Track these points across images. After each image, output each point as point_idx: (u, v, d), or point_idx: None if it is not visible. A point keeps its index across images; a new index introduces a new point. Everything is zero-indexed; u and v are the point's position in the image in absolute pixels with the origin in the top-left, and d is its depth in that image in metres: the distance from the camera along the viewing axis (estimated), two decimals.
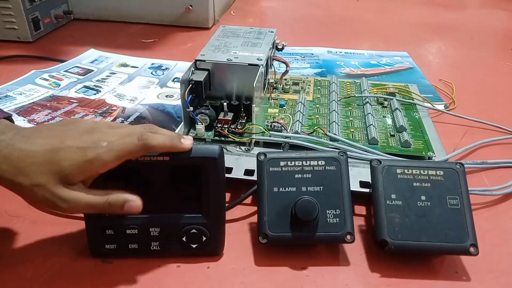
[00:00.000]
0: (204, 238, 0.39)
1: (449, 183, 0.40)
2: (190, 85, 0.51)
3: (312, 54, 0.88)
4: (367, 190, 0.45)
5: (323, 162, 0.41)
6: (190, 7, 0.98)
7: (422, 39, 1.00)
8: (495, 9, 1.22)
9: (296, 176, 0.41)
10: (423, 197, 0.40)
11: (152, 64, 0.78)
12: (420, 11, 1.21)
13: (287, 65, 0.63)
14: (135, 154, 0.35)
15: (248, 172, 0.48)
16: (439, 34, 1.04)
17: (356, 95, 0.63)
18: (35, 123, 0.53)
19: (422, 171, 0.41)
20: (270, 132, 0.52)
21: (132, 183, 0.38)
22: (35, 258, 0.40)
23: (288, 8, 1.24)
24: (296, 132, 0.53)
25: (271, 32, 0.63)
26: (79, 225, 0.39)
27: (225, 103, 0.53)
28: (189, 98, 0.51)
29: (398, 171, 0.41)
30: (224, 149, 0.51)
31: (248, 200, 0.47)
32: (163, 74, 0.75)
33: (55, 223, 0.44)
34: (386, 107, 0.61)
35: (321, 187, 0.40)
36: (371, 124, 0.55)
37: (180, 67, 0.77)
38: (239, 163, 0.49)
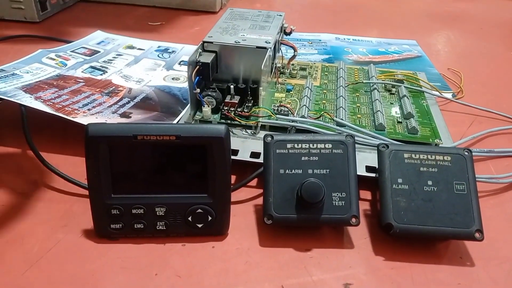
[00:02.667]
0: (209, 218, 0.39)
1: (456, 168, 0.40)
2: (197, 66, 0.51)
3: (320, 40, 0.88)
4: (373, 175, 0.45)
5: (330, 145, 0.41)
6: None
7: (431, 28, 0.99)
8: (505, 0, 1.21)
9: (303, 158, 0.41)
10: (429, 182, 0.39)
11: (159, 47, 0.78)
12: (429, 0, 1.19)
13: (295, 50, 0.62)
14: None
15: (254, 155, 0.48)
16: (448, 23, 1.02)
17: (364, 81, 0.63)
18: (41, 100, 0.53)
19: (429, 156, 0.40)
20: (277, 116, 0.52)
21: (138, 163, 0.38)
22: (41, 234, 0.40)
23: None
24: (303, 117, 0.53)
25: (280, 15, 0.62)
26: (85, 202, 0.39)
27: (232, 86, 0.53)
28: (196, 80, 0.51)
29: (405, 155, 0.41)
30: (230, 132, 0.51)
31: (254, 182, 0.47)
32: (169, 57, 0.74)
33: (61, 201, 0.44)
34: (393, 94, 0.61)
35: (328, 170, 0.40)
36: (379, 110, 0.55)
37: (187, 51, 0.77)
38: (245, 146, 0.49)
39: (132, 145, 0.37)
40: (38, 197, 0.44)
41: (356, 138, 0.48)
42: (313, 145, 0.41)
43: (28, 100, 0.52)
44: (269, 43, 0.53)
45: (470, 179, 0.40)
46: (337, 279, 0.37)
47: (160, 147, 0.37)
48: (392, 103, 0.58)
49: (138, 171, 0.38)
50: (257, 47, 0.53)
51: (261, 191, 0.45)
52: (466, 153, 0.41)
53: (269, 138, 0.42)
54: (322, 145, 0.41)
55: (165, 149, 0.38)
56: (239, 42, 0.53)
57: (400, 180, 0.40)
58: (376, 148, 0.42)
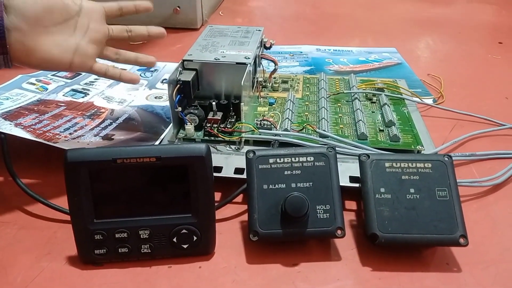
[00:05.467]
0: (194, 238, 0.39)
1: (438, 175, 0.40)
2: (178, 85, 0.51)
3: (301, 52, 0.89)
4: (357, 185, 0.45)
5: (312, 158, 0.41)
6: (178, 8, 0.98)
7: (410, 34, 1.01)
8: (483, 4, 1.23)
9: (286, 172, 0.41)
10: (412, 190, 0.40)
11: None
12: (408, 7, 1.21)
13: (275, 64, 0.63)
14: None
15: (238, 170, 0.48)
16: (427, 29, 1.04)
17: (345, 92, 0.63)
18: (22, 127, 0.52)
19: (410, 164, 0.41)
20: (260, 130, 0.52)
21: (120, 187, 0.38)
22: (24, 263, 0.39)
23: (277, 7, 1.24)
24: (286, 130, 0.53)
25: (259, 30, 0.63)
26: (69, 228, 0.39)
27: (214, 103, 0.53)
28: (177, 98, 0.51)
29: (387, 164, 0.41)
30: (214, 149, 0.51)
31: (239, 198, 0.47)
32: (151, 75, 0.74)
33: (45, 228, 0.43)
34: (375, 102, 0.61)
35: (311, 183, 0.40)
36: (360, 120, 0.55)
37: (169, 69, 0.77)
38: (229, 162, 0.49)
39: (112, 169, 0.36)
40: (21, 225, 0.44)
41: (338, 148, 0.48)
42: (295, 159, 0.41)
43: (8, 128, 0.51)
44: (249, 58, 0.53)
45: (452, 184, 0.40)
46: None
47: (140, 170, 0.37)
48: (374, 112, 0.59)
49: (120, 194, 0.38)
50: (237, 63, 0.53)
51: (246, 207, 0.45)
52: (447, 159, 0.41)
53: (251, 154, 0.42)
54: (304, 158, 0.41)
55: (146, 171, 0.38)
56: (218, 59, 0.53)
57: (382, 190, 0.40)
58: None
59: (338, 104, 0.61)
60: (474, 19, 1.11)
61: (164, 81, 0.72)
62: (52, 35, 0.44)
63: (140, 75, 0.74)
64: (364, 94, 0.63)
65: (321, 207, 0.40)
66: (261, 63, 0.64)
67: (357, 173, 0.44)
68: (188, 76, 0.52)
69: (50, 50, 0.44)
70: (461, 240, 0.38)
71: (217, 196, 0.47)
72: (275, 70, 0.64)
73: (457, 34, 1.00)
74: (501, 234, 0.43)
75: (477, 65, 0.84)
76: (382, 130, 0.54)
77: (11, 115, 0.55)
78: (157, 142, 0.53)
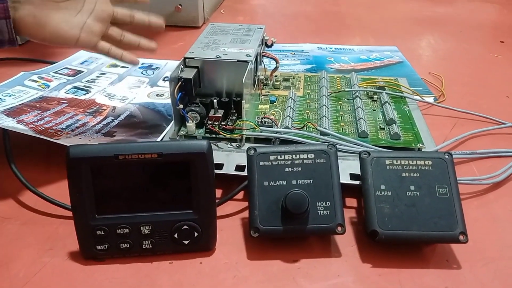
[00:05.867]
0: (195, 234, 0.39)
1: (438, 172, 0.40)
2: (180, 83, 0.51)
3: (303, 50, 0.89)
4: (357, 182, 0.45)
5: (313, 155, 0.41)
6: (180, 6, 0.98)
7: (411, 33, 1.01)
8: (484, 2, 1.23)
9: (286, 169, 0.41)
10: (412, 187, 0.40)
11: (143, 63, 0.78)
12: (410, 6, 1.21)
13: (277, 62, 0.63)
14: None
15: (239, 167, 0.48)
16: (429, 28, 1.04)
17: (346, 90, 0.64)
18: (24, 123, 0.53)
19: (410, 162, 0.41)
20: (261, 127, 0.52)
21: (121, 183, 0.38)
22: (26, 259, 0.40)
23: (278, 5, 1.24)
24: (287, 127, 0.53)
25: (260, 28, 0.63)
26: (70, 224, 0.39)
27: (215, 100, 0.53)
28: (178, 96, 0.51)
29: (387, 162, 0.41)
30: (215, 146, 0.51)
31: (240, 195, 0.47)
32: (153, 73, 0.75)
33: (46, 224, 0.44)
34: (375, 100, 0.62)
35: (311, 180, 0.40)
36: (361, 118, 0.55)
37: (171, 66, 0.77)
38: (230, 159, 0.49)
39: (114, 165, 0.37)
40: (23, 221, 0.44)
41: (339, 146, 0.49)
42: (295, 156, 0.41)
43: (10, 124, 0.51)
44: (250, 56, 0.54)
45: (452, 182, 0.40)
46: None
47: (142, 166, 0.38)
48: (375, 110, 0.59)
49: (121, 190, 0.38)
50: (238, 61, 0.53)
51: (247, 203, 0.45)
52: (447, 157, 0.41)
53: (252, 151, 0.42)
54: (304, 156, 0.41)
55: (147, 168, 0.38)
56: (220, 57, 0.54)
57: (383, 187, 0.40)
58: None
59: (339, 102, 0.61)
60: (475, 18, 1.11)
61: (165, 79, 0.72)
62: (62, 10, 0.45)
63: (142, 72, 0.74)
64: (365, 92, 0.63)
65: (322, 204, 0.40)
66: (262, 61, 0.64)
67: (357, 171, 0.45)
68: (189, 74, 0.52)
69: (59, 24, 0.45)
70: (461, 237, 0.38)
71: (218, 193, 0.47)
72: (276, 68, 0.64)
73: (458, 33, 1.01)
74: (501, 231, 0.43)
75: (478, 64, 0.84)
76: (383, 128, 0.55)
77: (14, 112, 0.56)
78: (158, 139, 0.54)
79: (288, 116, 0.55)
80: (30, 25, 0.44)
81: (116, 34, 0.51)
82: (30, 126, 0.52)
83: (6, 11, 0.42)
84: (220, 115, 0.53)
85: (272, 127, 0.53)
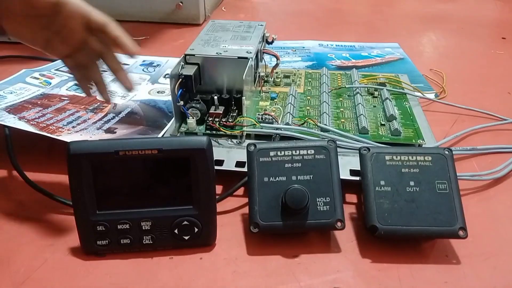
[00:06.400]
0: (196, 230, 0.39)
1: (438, 168, 0.40)
2: (180, 79, 0.51)
3: (304, 47, 0.89)
4: (357, 178, 0.45)
5: (313, 151, 0.41)
6: (181, 4, 0.98)
7: (413, 30, 1.01)
8: None
9: (286, 165, 0.41)
10: (411, 183, 0.40)
11: (144, 61, 0.78)
12: (411, 2, 1.21)
13: (277, 58, 0.63)
14: None
15: (240, 164, 0.48)
16: (430, 24, 1.04)
17: (347, 86, 0.64)
18: (25, 120, 0.53)
19: (410, 157, 0.41)
20: (261, 124, 0.52)
21: (122, 178, 0.38)
22: (28, 254, 0.40)
23: (280, 3, 1.24)
24: (287, 124, 0.53)
25: (261, 25, 0.63)
26: (71, 220, 0.39)
27: (215, 97, 0.54)
28: (179, 92, 0.51)
29: (387, 157, 0.41)
30: (215, 142, 0.51)
31: (240, 191, 0.47)
32: (154, 70, 0.75)
33: (48, 220, 0.44)
34: (376, 97, 0.62)
35: (311, 176, 0.41)
36: (362, 114, 0.55)
37: (172, 64, 0.77)
38: (231, 155, 0.49)
39: (114, 161, 0.37)
40: (24, 217, 0.44)
41: (339, 142, 0.49)
42: (295, 152, 0.41)
43: (11, 121, 0.52)
44: (250, 53, 0.54)
45: (452, 178, 0.40)
46: (325, 284, 0.37)
47: (142, 162, 0.38)
48: (375, 106, 0.59)
49: (122, 186, 0.39)
50: (239, 58, 0.53)
51: (247, 200, 0.45)
52: (447, 152, 0.41)
53: (252, 147, 0.42)
54: (304, 151, 0.41)
55: (147, 163, 0.38)
56: (220, 54, 0.54)
57: (382, 182, 0.40)
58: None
59: (340, 99, 0.61)
60: (477, 14, 1.11)
61: (166, 76, 0.72)
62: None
63: (143, 70, 0.75)
64: (366, 89, 0.63)
65: (321, 199, 0.40)
66: (263, 57, 0.64)
67: (357, 167, 0.45)
68: (190, 71, 0.52)
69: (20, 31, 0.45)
70: (460, 233, 0.38)
71: (219, 189, 0.47)
72: (277, 65, 0.64)
73: (460, 30, 1.00)
74: (501, 227, 0.43)
75: (480, 60, 0.84)
76: (384, 124, 0.55)
77: (15, 109, 0.56)
78: (159, 136, 0.54)
79: (289, 112, 0.55)
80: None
81: (86, 59, 0.50)
82: (31, 123, 0.53)
83: None
84: (221, 112, 0.53)
85: (272, 124, 0.53)
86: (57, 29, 0.46)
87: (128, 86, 0.52)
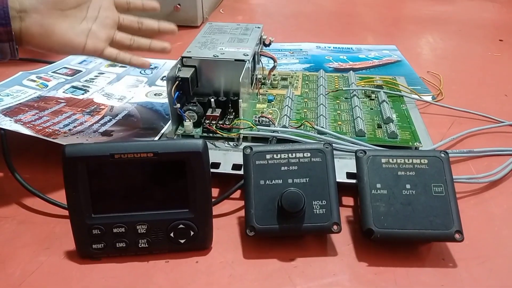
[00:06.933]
0: (191, 233, 0.39)
1: (434, 171, 0.40)
2: (177, 82, 0.51)
3: (301, 49, 0.89)
4: (354, 181, 0.45)
5: (309, 154, 0.41)
6: (179, 6, 0.98)
7: (410, 32, 1.01)
8: (483, 1, 1.23)
9: (282, 168, 0.41)
10: (408, 186, 0.40)
11: None
12: (409, 5, 1.21)
13: (274, 61, 0.63)
14: None
15: (236, 166, 0.48)
16: (428, 27, 1.04)
17: (344, 89, 0.64)
18: (21, 123, 0.53)
19: (406, 160, 0.41)
20: (258, 127, 0.52)
21: (117, 181, 0.38)
22: (23, 258, 0.40)
23: (278, 5, 1.24)
24: (284, 126, 0.53)
25: (258, 28, 0.63)
26: (67, 224, 0.39)
27: (212, 99, 0.54)
28: (176, 95, 0.51)
29: (383, 160, 0.41)
30: (212, 145, 0.51)
31: (237, 194, 0.47)
32: (151, 73, 0.75)
33: (43, 223, 0.44)
34: (373, 99, 0.62)
35: (307, 179, 0.40)
36: (358, 117, 0.55)
37: (169, 66, 0.77)
38: (227, 158, 0.49)
39: (110, 164, 0.37)
40: (20, 220, 0.44)
41: (336, 145, 0.49)
42: (292, 155, 0.41)
43: (7, 124, 0.52)
44: (247, 55, 0.54)
45: (448, 180, 0.40)
46: (322, 287, 0.37)
47: (138, 165, 0.38)
48: (372, 109, 0.59)
49: (117, 189, 0.38)
50: (236, 60, 0.53)
51: (243, 203, 0.45)
52: (443, 155, 0.41)
53: (248, 150, 0.42)
54: (300, 154, 0.41)
55: (143, 167, 0.38)
56: (217, 56, 0.54)
57: (378, 185, 0.40)
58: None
59: (337, 101, 0.61)
60: (474, 16, 1.11)
61: (163, 78, 0.72)
62: (67, 18, 0.45)
63: (140, 72, 0.74)
64: (363, 91, 0.63)
65: (318, 202, 0.40)
66: (260, 60, 0.64)
67: (354, 170, 0.45)
68: (187, 73, 0.52)
69: (66, 33, 0.45)
70: (457, 236, 0.38)
71: (215, 192, 0.47)
72: (274, 67, 0.64)
73: (457, 32, 1.00)
74: (497, 229, 0.43)
75: (477, 63, 0.84)
76: (380, 127, 0.55)
77: (11, 112, 0.56)
78: (156, 139, 0.54)
79: (286, 115, 0.55)
80: (36, 35, 0.43)
81: (125, 39, 0.50)
82: (27, 125, 0.52)
83: (9, 34, 0.42)
84: (218, 114, 0.53)
85: (269, 126, 0.53)
86: (94, 14, 0.47)
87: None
